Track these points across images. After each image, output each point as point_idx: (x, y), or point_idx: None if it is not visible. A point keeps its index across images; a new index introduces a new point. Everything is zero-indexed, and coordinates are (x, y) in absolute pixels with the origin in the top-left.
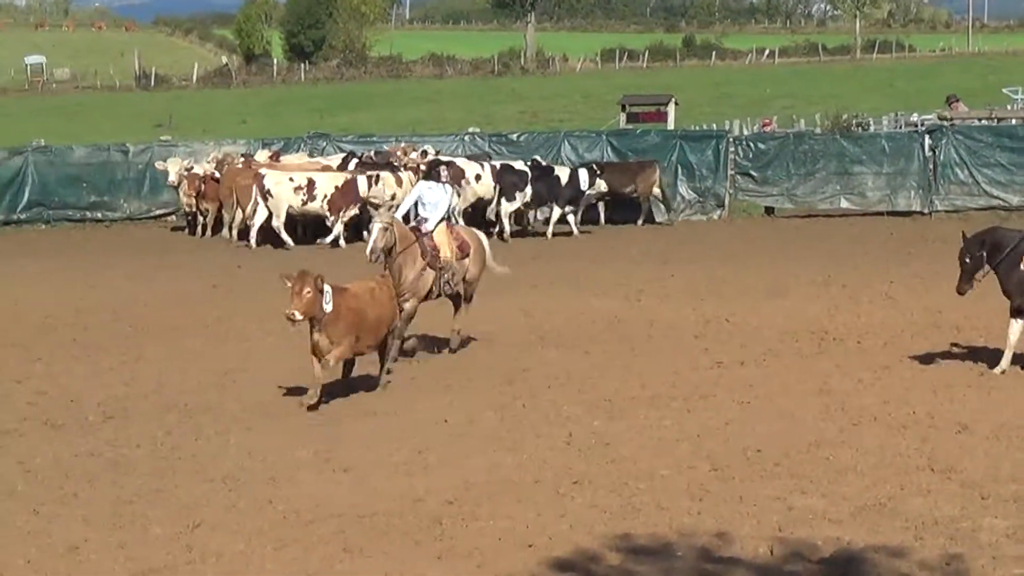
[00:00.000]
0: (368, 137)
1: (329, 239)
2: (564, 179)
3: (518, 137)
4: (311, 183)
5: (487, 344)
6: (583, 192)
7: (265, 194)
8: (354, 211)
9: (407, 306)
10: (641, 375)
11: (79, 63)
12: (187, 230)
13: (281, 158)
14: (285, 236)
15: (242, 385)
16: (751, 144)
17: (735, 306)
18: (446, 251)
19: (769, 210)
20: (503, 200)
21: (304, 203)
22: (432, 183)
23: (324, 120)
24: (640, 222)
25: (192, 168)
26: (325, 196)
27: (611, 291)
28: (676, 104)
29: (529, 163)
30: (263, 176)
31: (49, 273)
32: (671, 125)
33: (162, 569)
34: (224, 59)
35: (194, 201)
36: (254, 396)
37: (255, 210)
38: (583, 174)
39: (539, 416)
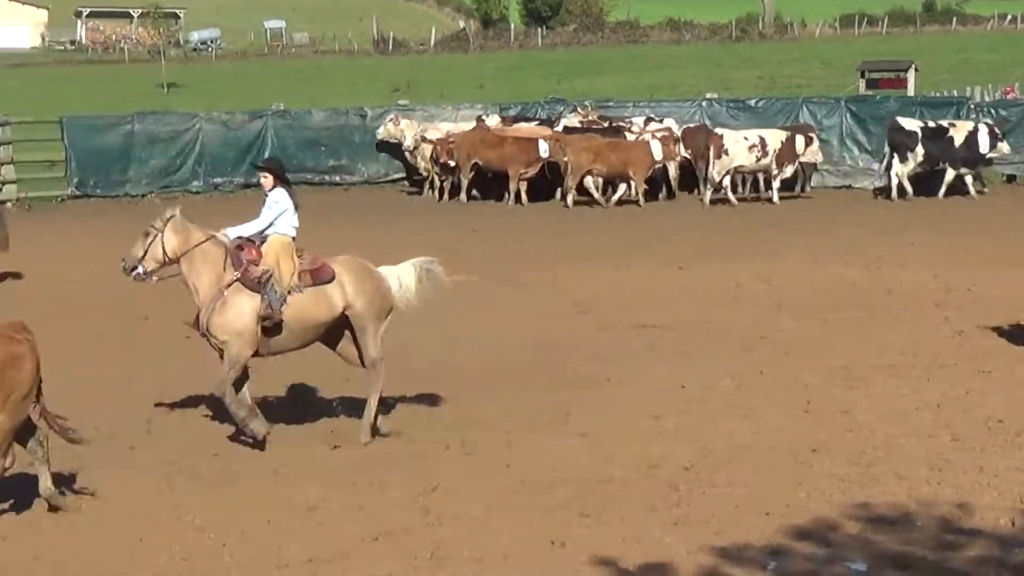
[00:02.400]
0: (605, 102)
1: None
2: (959, 139)
3: (756, 103)
4: (763, 141)
5: (725, 310)
6: (982, 155)
7: (721, 152)
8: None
9: (229, 349)
10: (880, 343)
11: (318, 27)
12: (427, 193)
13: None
14: (730, 196)
15: (477, 348)
16: (992, 111)
17: (977, 275)
18: (275, 267)
19: (1011, 178)
20: (895, 161)
21: (758, 160)
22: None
23: (561, 85)
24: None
25: (427, 133)
26: (774, 152)
27: (849, 259)
28: (916, 70)
29: (924, 123)
30: (720, 136)
31: None
32: (911, 91)
33: (399, 531)
34: (462, 24)
35: (431, 164)
36: (488, 361)
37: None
38: (983, 135)
39: (776, 383)
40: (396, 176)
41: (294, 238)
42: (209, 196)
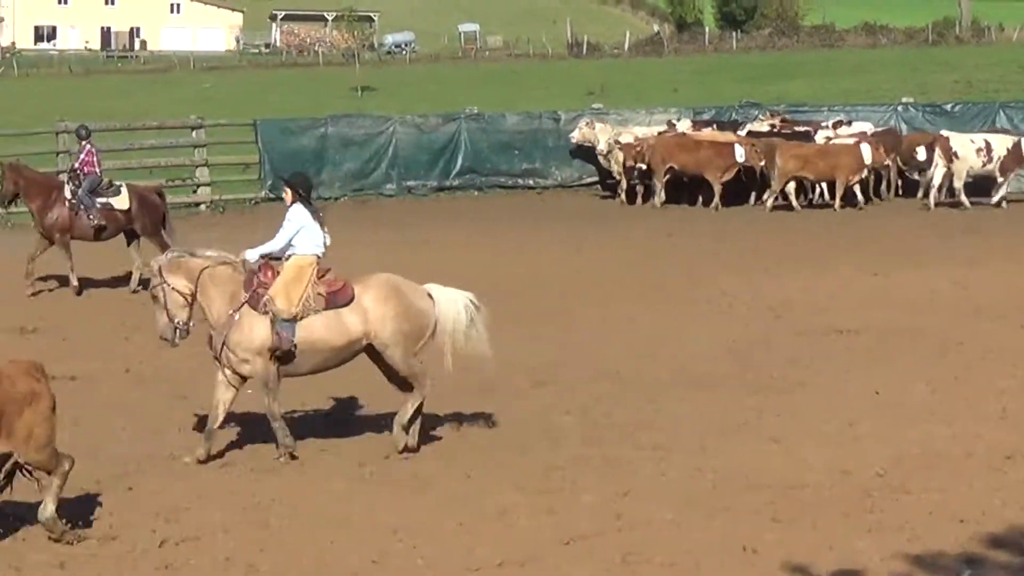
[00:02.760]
0: (799, 107)
1: (996, 198)
2: None
3: (952, 107)
4: (988, 145)
5: (920, 316)
6: None
7: (950, 156)
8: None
9: (254, 368)
10: None
11: (511, 31)
12: (618, 198)
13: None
14: (964, 198)
15: (671, 352)
16: None
17: None
18: (280, 295)
19: None
20: None
21: (983, 165)
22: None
23: (755, 89)
24: None
25: (621, 137)
26: (999, 158)
27: None
28: None
29: None
30: (948, 139)
31: (481, 239)
32: None
33: (591, 535)
34: (656, 27)
35: (625, 169)
36: (682, 363)
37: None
38: None
39: (972, 389)
40: (589, 180)
41: (320, 256)
42: (402, 199)
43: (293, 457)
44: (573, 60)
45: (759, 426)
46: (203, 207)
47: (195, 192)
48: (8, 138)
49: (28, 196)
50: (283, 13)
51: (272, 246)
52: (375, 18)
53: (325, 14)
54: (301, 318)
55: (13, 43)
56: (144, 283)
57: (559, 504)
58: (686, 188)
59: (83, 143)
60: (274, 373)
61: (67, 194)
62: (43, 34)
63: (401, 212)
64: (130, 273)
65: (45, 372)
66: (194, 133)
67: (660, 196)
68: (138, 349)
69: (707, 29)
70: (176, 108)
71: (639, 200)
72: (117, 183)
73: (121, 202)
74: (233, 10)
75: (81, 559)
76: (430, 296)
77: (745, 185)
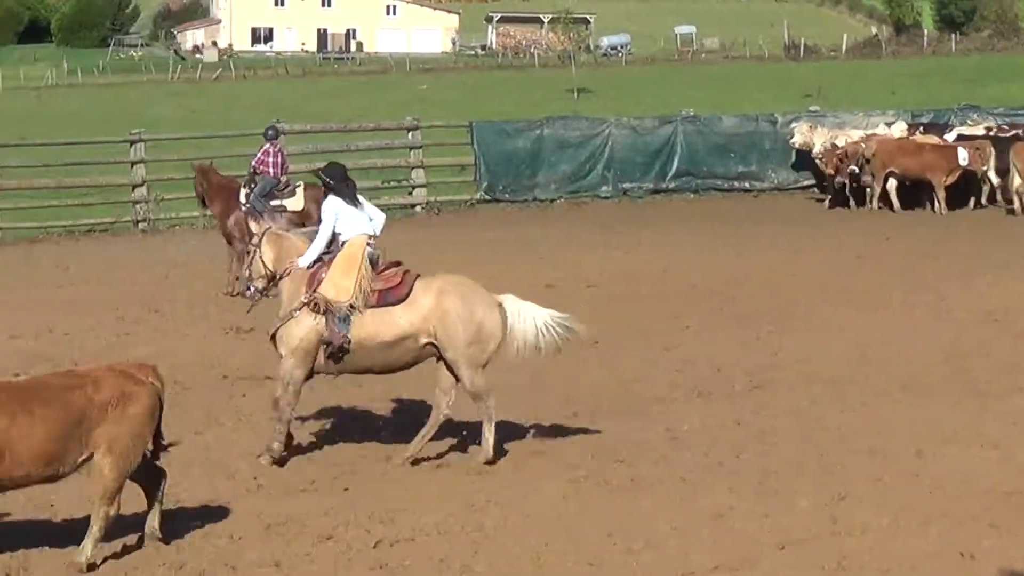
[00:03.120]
0: (1019, 110)
1: None
2: None
3: None
4: None
5: None
6: None
7: None
8: None
9: (282, 365)
10: None
11: (728, 33)
12: (828, 202)
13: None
14: None
15: (887, 357)
16: None
17: None
18: (331, 288)
19: None
20: None
21: None
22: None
23: (974, 92)
24: None
25: (837, 140)
26: None
27: None
28: None
29: None
30: None
31: (697, 242)
32: None
33: (807, 539)
34: (874, 29)
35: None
36: (899, 368)
37: None
38: None
39: None
40: (806, 183)
41: (372, 237)
42: (618, 201)
43: (276, 464)
44: (790, 62)
45: (977, 431)
46: (419, 208)
47: (411, 194)
48: (228, 139)
49: (211, 200)
50: (499, 15)
51: (316, 246)
52: (591, 20)
53: (541, 16)
54: (357, 309)
55: (230, 45)
56: None
57: (774, 508)
58: (903, 192)
59: (268, 144)
60: (299, 377)
61: (241, 198)
62: (260, 36)
63: (616, 214)
64: None
65: (152, 375)
66: (410, 135)
67: (878, 200)
68: None
69: (925, 31)
70: (392, 110)
71: (852, 203)
72: (295, 183)
73: (295, 203)
74: (449, 12)
75: (296, 559)
76: (501, 306)
77: (964, 189)
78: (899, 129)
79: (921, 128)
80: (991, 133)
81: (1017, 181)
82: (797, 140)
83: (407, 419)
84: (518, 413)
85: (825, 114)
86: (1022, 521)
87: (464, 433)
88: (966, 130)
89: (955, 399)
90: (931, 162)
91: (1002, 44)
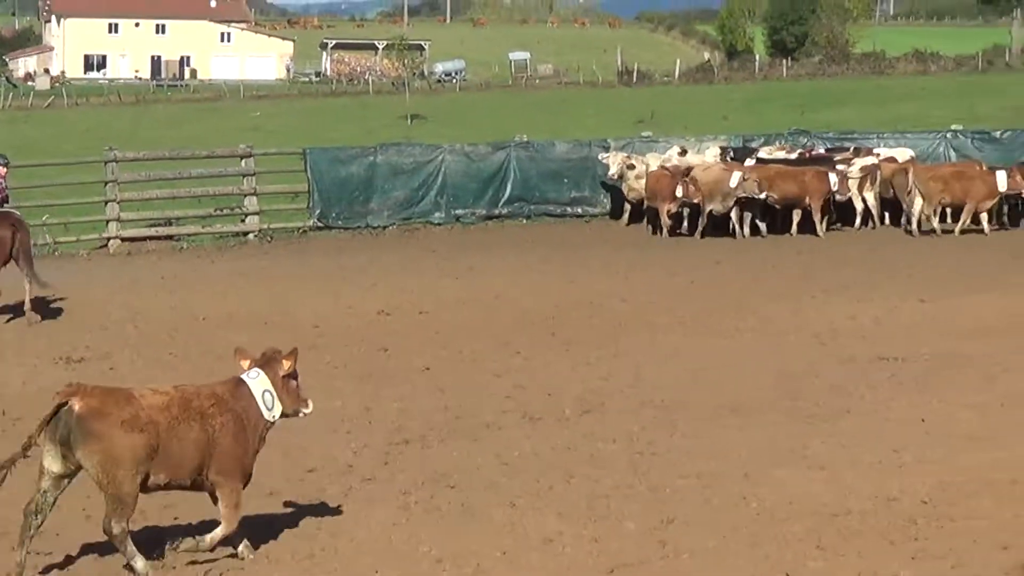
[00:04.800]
0: (849, 134)
1: None
2: None
3: (1001, 134)
4: None
5: (967, 342)
6: None
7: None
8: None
9: None
10: None
11: (562, 59)
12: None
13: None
14: None
15: (717, 380)
16: None
17: None
18: None
19: None
20: None
21: None
22: None
23: (805, 117)
24: None
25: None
26: None
27: None
28: None
29: None
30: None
31: (529, 268)
32: None
33: (635, 564)
34: (706, 55)
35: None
36: (728, 392)
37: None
38: None
39: (1019, 416)
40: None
41: None
42: (451, 228)
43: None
44: (623, 88)
45: (804, 454)
46: (252, 236)
47: (243, 221)
48: (57, 167)
49: None
50: (334, 41)
51: None
52: (425, 47)
53: (376, 43)
54: None
55: (63, 72)
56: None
57: (604, 532)
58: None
59: None
60: None
61: None
62: (93, 63)
63: (449, 240)
64: None
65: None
66: (243, 162)
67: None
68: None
69: (757, 57)
70: (226, 137)
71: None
72: None
73: None
74: (284, 39)
75: None
76: None
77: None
78: (712, 155)
79: (731, 153)
80: (790, 156)
81: (919, 203)
82: (613, 171)
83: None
84: (350, 440)
85: (658, 139)
86: (848, 543)
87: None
88: (765, 154)
89: (783, 422)
90: (810, 186)
91: (833, 69)
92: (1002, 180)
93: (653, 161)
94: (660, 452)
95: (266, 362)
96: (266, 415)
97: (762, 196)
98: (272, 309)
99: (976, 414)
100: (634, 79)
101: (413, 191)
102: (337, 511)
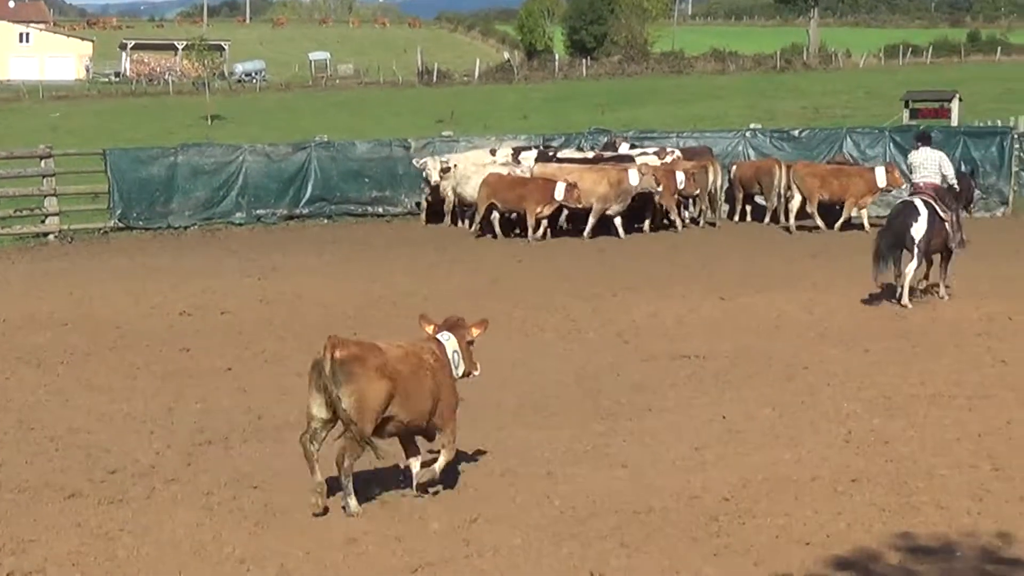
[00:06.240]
0: (648, 133)
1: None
2: None
3: (799, 133)
4: None
5: (767, 340)
6: None
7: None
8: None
9: None
10: (922, 373)
11: (363, 59)
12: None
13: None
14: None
15: (519, 379)
16: None
17: (1019, 304)
18: None
19: None
20: None
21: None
22: None
23: (605, 116)
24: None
25: (448, 164)
26: None
27: (892, 288)
28: (960, 100)
29: None
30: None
31: (331, 268)
32: (955, 121)
33: (439, 563)
34: (506, 55)
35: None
36: (531, 390)
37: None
38: None
39: (818, 413)
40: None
41: None
42: (252, 228)
43: None
44: (423, 88)
45: (607, 452)
46: (51, 237)
47: (43, 222)
48: None
49: None
50: (133, 42)
51: None
52: (225, 47)
53: (175, 43)
54: None
55: None
56: None
57: (408, 532)
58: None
59: None
60: None
61: None
62: None
63: (250, 240)
64: None
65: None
66: (43, 163)
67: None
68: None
69: (557, 56)
70: (25, 138)
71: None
72: None
73: None
74: (83, 39)
75: None
76: None
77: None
78: (503, 155)
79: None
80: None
81: (797, 200)
82: (434, 177)
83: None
84: (152, 441)
85: (458, 139)
86: (651, 540)
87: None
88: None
89: (585, 420)
90: (528, 193)
91: (632, 68)
92: (880, 176)
93: (463, 162)
94: (464, 451)
95: (454, 326)
96: (454, 372)
97: (659, 190)
98: (73, 310)
99: (776, 412)
100: (434, 79)
101: (214, 191)
102: (140, 512)
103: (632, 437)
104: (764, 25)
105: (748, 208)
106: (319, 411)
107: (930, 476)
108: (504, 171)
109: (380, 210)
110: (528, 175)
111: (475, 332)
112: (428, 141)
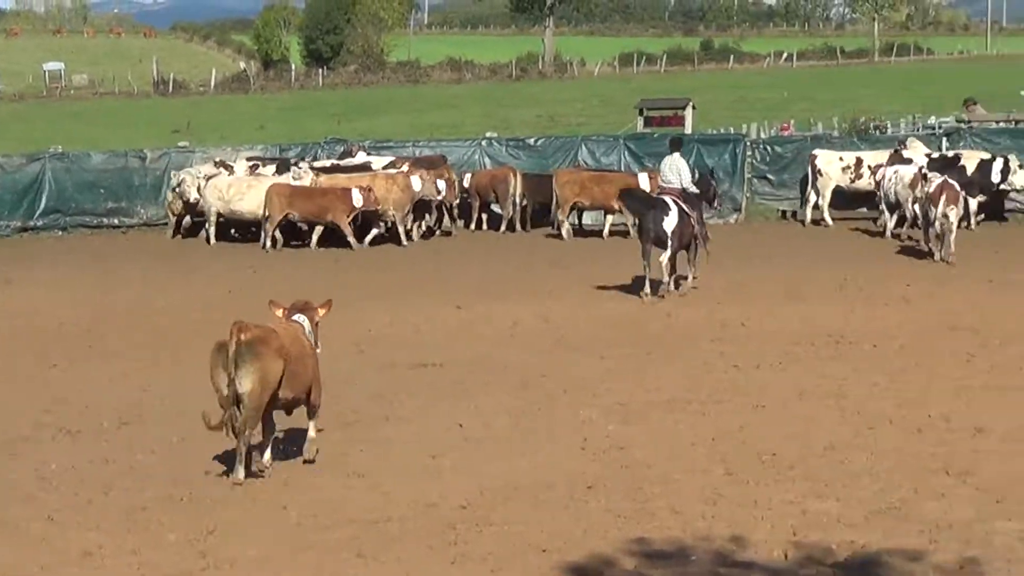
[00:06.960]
0: (385, 142)
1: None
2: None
3: (535, 141)
4: (859, 162)
5: (503, 348)
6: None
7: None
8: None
9: None
10: (657, 379)
11: (97, 69)
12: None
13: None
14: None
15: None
16: (768, 148)
17: (751, 310)
18: None
19: (784, 214)
20: None
21: (852, 181)
22: None
23: (342, 126)
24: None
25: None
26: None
27: (628, 295)
28: (694, 108)
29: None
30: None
31: (66, 279)
32: (688, 129)
33: (176, 575)
34: (242, 65)
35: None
36: None
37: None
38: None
39: (554, 420)
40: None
41: None
42: None
43: None
44: (159, 98)
45: (344, 461)
46: None
47: None
48: None
49: None
50: None
51: None
52: None
53: None
54: None
55: None
56: None
57: (144, 544)
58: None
59: None
60: None
61: None
62: None
63: None
64: None
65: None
66: None
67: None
68: None
69: (293, 66)
70: None
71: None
72: None
73: None
74: None
75: None
76: None
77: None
78: (241, 169)
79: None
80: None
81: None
82: (192, 195)
83: None
84: None
85: (194, 149)
86: (388, 549)
87: None
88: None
89: (324, 429)
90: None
91: (369, 78)
92: (643, 182)
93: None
94: (201, 462)
95: (303, 309)
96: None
97: (440, 197)
98: None
99: (513, 419)
100: (170, 89)
101: None
102: None
103: (369, 446)
104: (500, 34)
105: (484, 216)
106: (229, 388)
107: (665, 481)
108: (284, 182)
109: (116, 221)
110: (309, 185)
111: (322, 312)
112: (164, 152)
